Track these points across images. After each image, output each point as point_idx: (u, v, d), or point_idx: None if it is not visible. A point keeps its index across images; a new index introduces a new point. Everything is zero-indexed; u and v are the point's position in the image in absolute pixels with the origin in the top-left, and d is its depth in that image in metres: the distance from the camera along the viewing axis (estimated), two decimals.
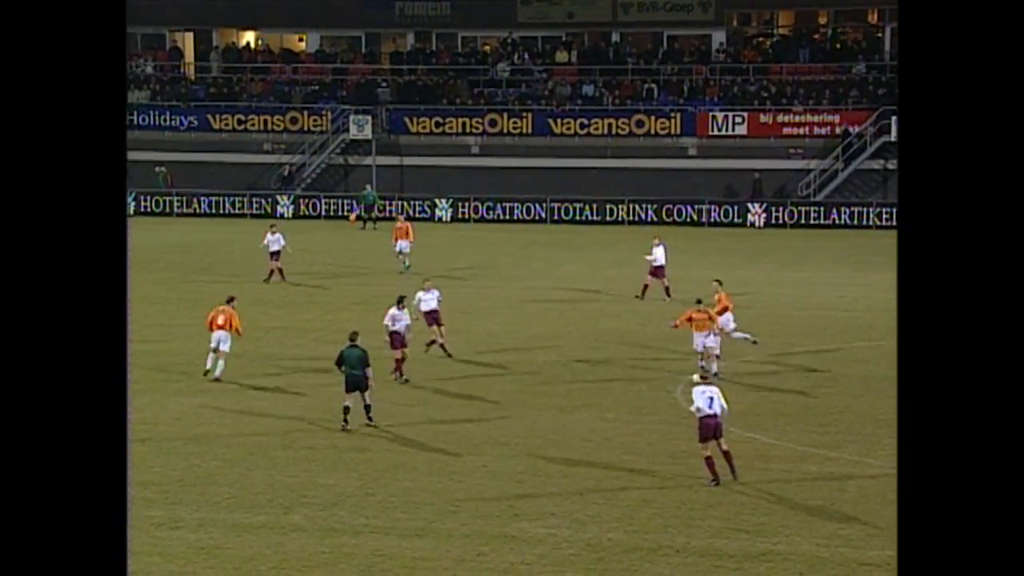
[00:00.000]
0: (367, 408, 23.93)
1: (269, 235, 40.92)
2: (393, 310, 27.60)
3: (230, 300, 28.73)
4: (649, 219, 56.65)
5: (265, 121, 62.79)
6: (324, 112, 62.36)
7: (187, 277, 41.96)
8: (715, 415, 20.40)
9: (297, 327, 34.00)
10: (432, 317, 30.06)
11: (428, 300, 30.37)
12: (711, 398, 20.49)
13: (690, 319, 28.19)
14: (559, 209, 57.60)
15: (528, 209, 58.08)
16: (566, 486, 20.93)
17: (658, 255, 37.46)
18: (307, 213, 58.98)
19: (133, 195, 58.72)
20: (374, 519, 19.38)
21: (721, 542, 18.29)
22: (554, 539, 18.58)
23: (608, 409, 25.55)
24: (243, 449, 22.84)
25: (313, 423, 24.57)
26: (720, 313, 28.81)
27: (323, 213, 58.59)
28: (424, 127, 62.04)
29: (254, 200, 59.42)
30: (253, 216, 58.34)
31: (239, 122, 62.79)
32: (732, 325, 29.17)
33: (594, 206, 57.42)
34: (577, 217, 57.38)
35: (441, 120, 61.98)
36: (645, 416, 25.20)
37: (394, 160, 61.37)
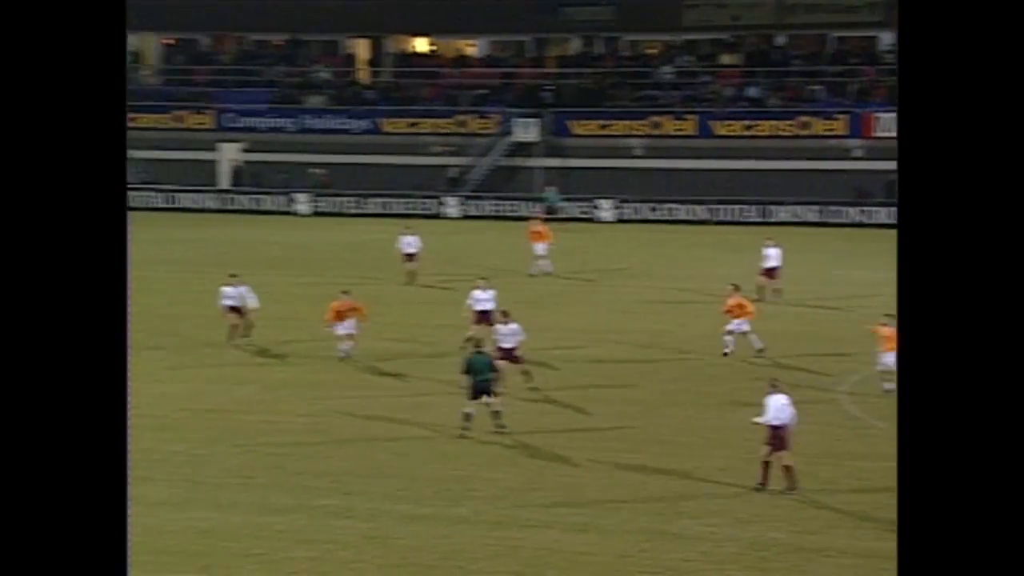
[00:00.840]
0: (496, 414, 23.41)
1: (405, 237, 40.71)
2: (499, 326, 26.84)
3: (345, 292, 29.61)
4: (812, 221, 55.78)
5: (434, 124, 63.53)
6: (491, 115, 62.85)
7: (363, 275, 42.66)
8: (787, 425, 20.01)
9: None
10: (483, 316, 29.88)
11: (483, 300, 30.35)
12: (783, 406, 20.10)
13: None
14: (722, 211, 57.08)
15: (691, 210, 57.68)
16: (727, 485, 20.74)
17: (771, 255, 37.27)
18: (474, 214, 59.51)
19: (295, 196, 59.98)
20: (538, 514, 19.48)
21: (886, 544, 17.92)
22: (716, 537, 18.44)
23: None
24: (412, 444, 23.16)
25: (477, 420, 24.79)
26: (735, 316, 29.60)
27: (489, 214, 59.04)
28: (588, 129, 62.07)
29: (422, 201, 60.19)
30: (421, 217, 59.07)
31: (409, 125, 63.65)
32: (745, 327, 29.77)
33: (757, 208, 56.76)
34: (740, 218, 56.77)
35: (605, 122, 61.93)
36: (806, 416, 24.82)
37: (558, 162, 61.52)
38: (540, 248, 41.96)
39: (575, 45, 67.76)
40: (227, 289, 30.84)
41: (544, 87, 64.85)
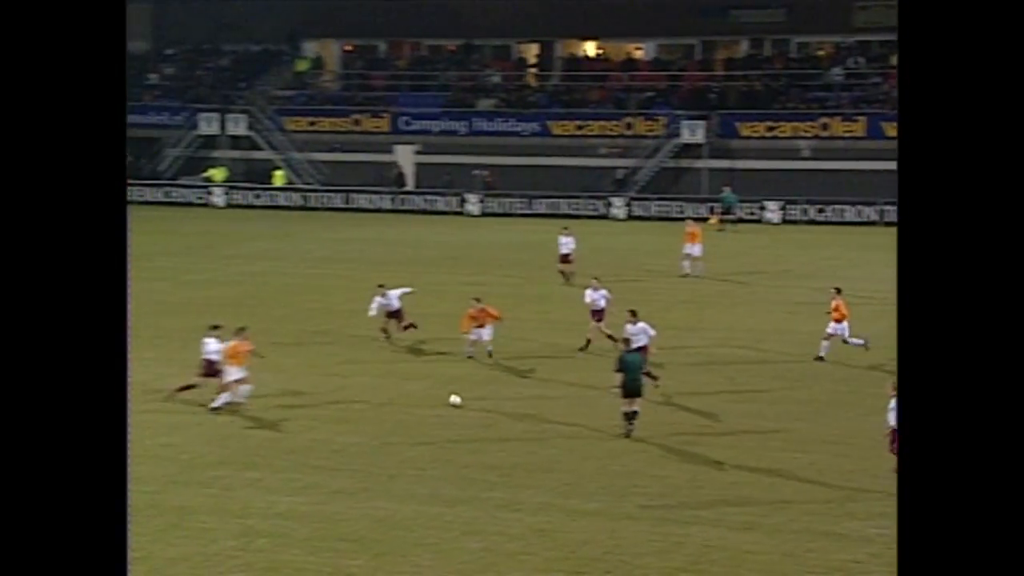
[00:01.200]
0: (634, 414, 23.04)
1: (562, 238, 40.48)
2: (627, 326, 26.43)
3: (477, 299, 29.50)
4: None
5: (602, 126, 63.49)
6: (658, 117, 62.54)
7: (531, 275, 42.91)
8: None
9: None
10: (596, 315, 30.08)
11: (596, 299, 30.38)
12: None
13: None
14: (892, 212, 55.79)
15: (859, 212, 56.53)
16: (895, 488, 20.28)
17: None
18: (640, 215, 59.31)
19: (460, 198, 60.58)
20: (703, 511, 19.34)
21: None
22: (885, 539, 18.04)
23: None
24: (578, 439, 23.20)
25: (642, 420, 24.71)
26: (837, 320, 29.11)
27: (655, 215, 58.76)
28: (756, 131, 61.31)
29: (590, 202, 60.22)
30: (588, 217, 59.14)
31: (578, 128, 63.73)
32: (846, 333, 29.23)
33: None
34: None
35: (773, 124, 61.09)
36: None
37: (725, 163, 60.92)
38: (695, 249, 41.65)
39: (743, 47, 66.99)
40: (379, 299, 30.95)
41: (712, 89, 64.27)
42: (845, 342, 29.14)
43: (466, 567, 17.08)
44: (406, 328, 30.88)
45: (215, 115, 66.57)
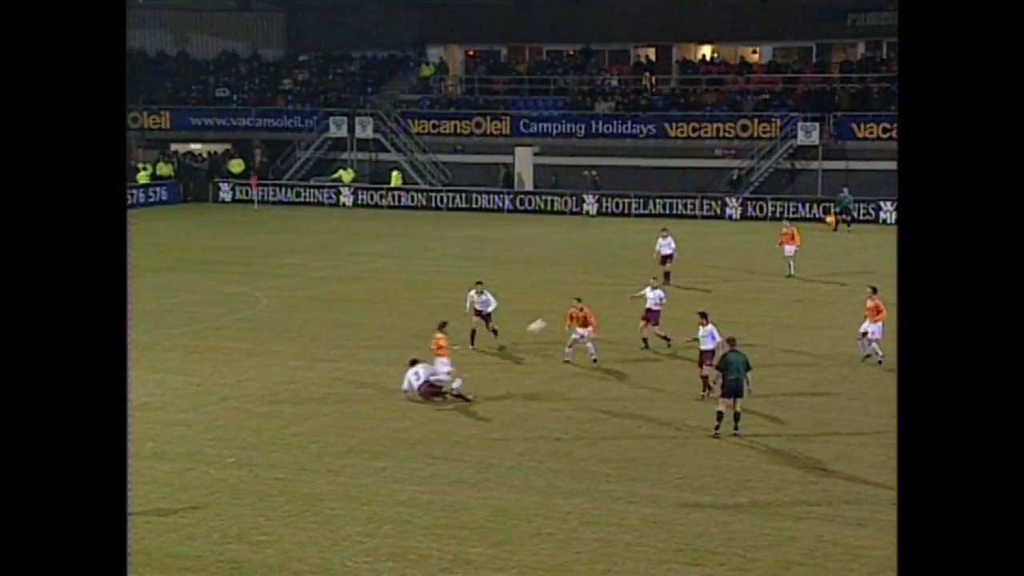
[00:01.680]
0: (736, 416, 22.56)
1: (661, 239, 39.73)
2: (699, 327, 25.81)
3: (578, 299, 29.01)
4: None
5: (717, 128, 62.93)
6: (774, 119, 61.79)
7: (642, 273, 42.68)
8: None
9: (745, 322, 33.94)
10: (649, 314, 29.79)
11: (652, 299, 30.15)
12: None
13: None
14: None
15: None
16: None
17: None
18: (754, 215, 58.66)
19: (590, 198, 60.50)
20: (816, 506, 19.07)
21: None
22: None
23: None
24: (691, 432, 23.03)
25: (754, 413, 24.46)
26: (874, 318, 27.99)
27: (769, 215, 58.06)
28: (871, 132, 60.23)
29: (705, 202, 59.74)
30: (703, 217, 58.69)
31: (693, 130, 63.25)
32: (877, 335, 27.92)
33: None
34: None
35: (888, 126, 59.93)
36: None
37: (840, 165, 59.95)
38: (789, 250, 41.18)
39: (860, 50, 65.87)
40: (472, 295, 30.53)
41: (827, 91, 63.33)
42: (872, 343, 27.89)
43: (582, 556, 17.06)
44: (494, 332, 30.01)
45: (344, 119, 67.40)
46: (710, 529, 18.08)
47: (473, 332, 30.23)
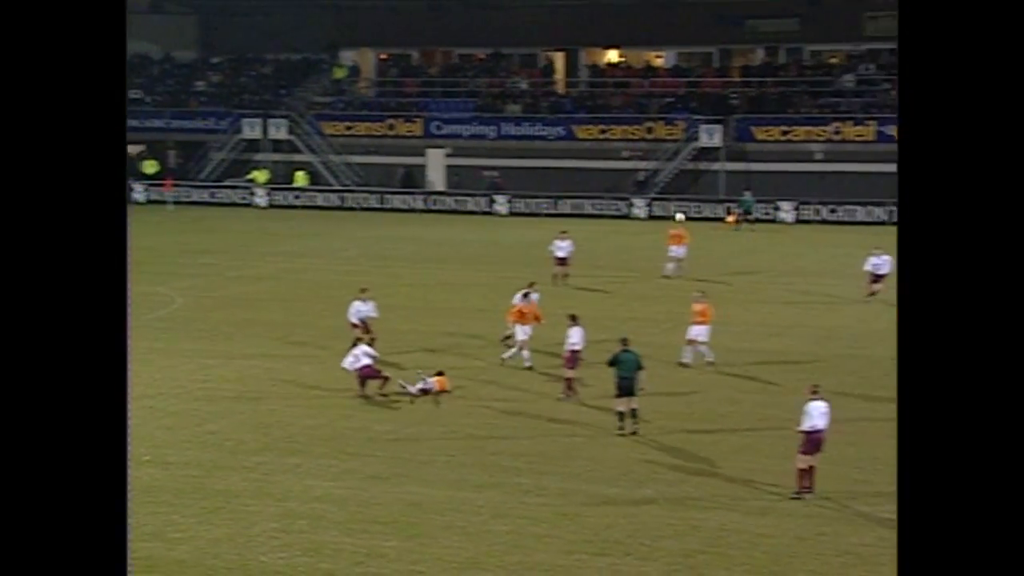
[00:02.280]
0: (633, 412, 22.56)
1: (558, 241, 39.20)
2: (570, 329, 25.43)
3: (527, 294, 28.87)
4: None
5: (624, 131, 63.38)
6: (677, 122, 62.40)
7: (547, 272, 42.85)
8: (822, 430, 18.86)
9: (649, 318, 34.20)
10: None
11: (879, 264, 32.19)
12: (823, 414, 18.95)
13: None
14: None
15: (869, 212, 56.27)
16: None
17: (880, 263, 35.57)
18: (660, 215, 59.14)
19: (508, 198, 60.63)
20: (719, 497, 19.29)
21: None
22: (894, 523, 17.96)
23: None
24: (600, 429, 23.16)
25: (661, 409, 24.67)
26: None
27: (674, 215, 58.53)
28: (770, 135, 61.08)
29: (612, 203, 60.14)
30: (611, 217, 59.07)
31: (600, 132, 63.64)
32: None
33: None
34: None
35: (787, 128, 60.84)
36: None
37: (740, 166, 60.72)
38: (678, 251, 40.36)
39: (759, 55, 66.74)
40: (357, 304, 29.36)
41: (728, 95, 64.10)
42: (695, 345, 27.58)
43: (494, 549, 17.09)
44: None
45: (258, 120, 66.78)
46: (618, 520, 18.21)
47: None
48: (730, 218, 54.84)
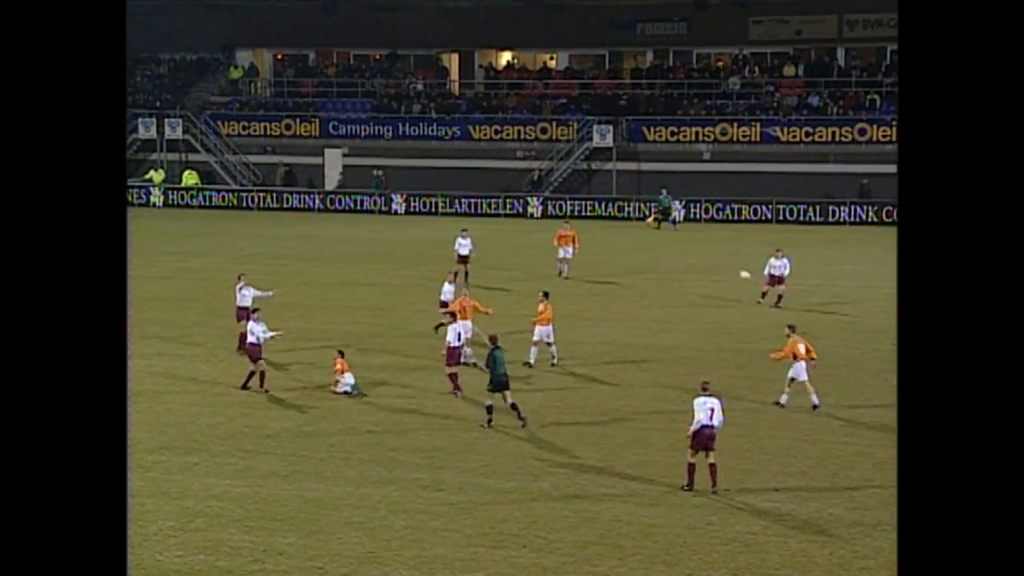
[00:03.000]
0: (513, 406, 22.71)
1: (460, 239, 39.20)
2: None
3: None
4: (870, 220, 55.09)
5: (519, 131, 63.57)
6: (571, 122, 62.76)
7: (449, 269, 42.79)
8: (712, 426, 19.09)
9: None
10: (445, 305, 29.43)
11: (779, 266, 33.78)
12: (711, 409, 19.19)
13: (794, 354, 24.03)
14: (784, 210, 56.54)
15: (756, 210, 57.18)
16: (788, 465, 20.56)
17: (779, 264, 35.59)
18: (554, 213, 59.41)
19: (399, 198, 60.45)
20: (613, 488, 19.44)
21: None
22: (778, 512, 18.29)
23: (827, 395, 24.91)
24: (497, 424, 23.19)
25: (556, 404, 24.79)
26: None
27: (568, 213, 58.87)
28: (660, 135, 61.75)
29: (507, 201, 60.29)
30: (506, 216, 59.19)
31: (496, 132, 63.76)
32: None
33: (817, 208, 56.16)
34: (801, 218, 56.22)
35: (676, 129, 61.57)
36: (861, 403, 24.52)
37: (632, 166, 61.29)
38: (566, 252, 40.11)
39: (649, 58, 67.43)
40: (243, 290, 29.27)
41: (620, 97, 64.65)
42: (549, 345, 27.34)
43: (392, 543, 17.02)
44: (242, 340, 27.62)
45: (153, 120, 65.64)
46: (514, 513, 18.26)
47: (242, 337, 28.05)
48: (650, 219, 54.95)
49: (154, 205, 62.44)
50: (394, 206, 60.91)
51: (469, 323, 27.24)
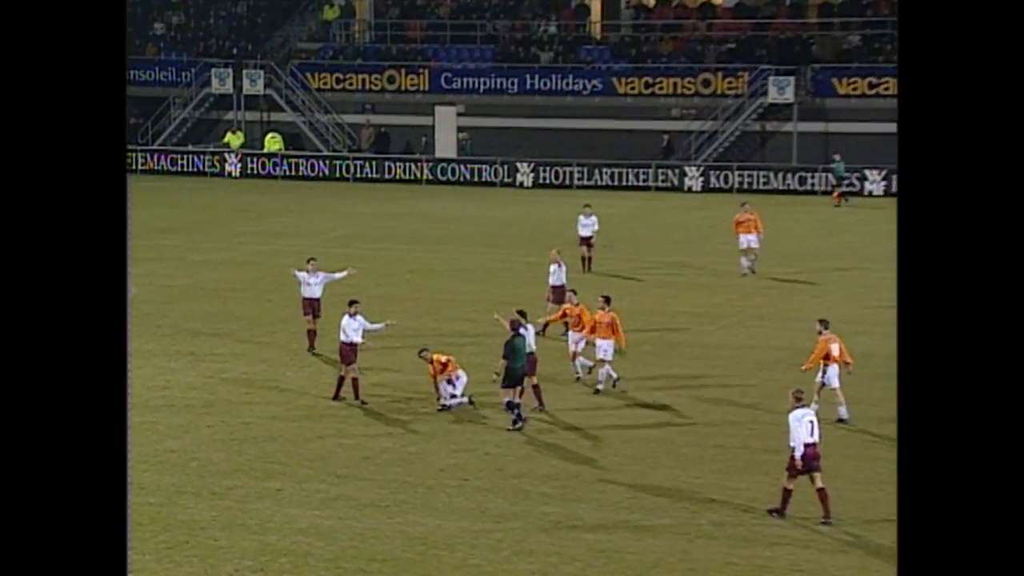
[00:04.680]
0: (511, 406, 23.75)
1: (583, 217, 39.36)
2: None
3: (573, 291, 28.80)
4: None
5: (674, 84, 63.34)
6: (740, 73, 62.30)
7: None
8: (815, 444, 19.15)
9: (709, 313, 34.19)
10: (556, 293, 30.32)
11: (554, 273, 31.85)
12: (811, 423, 19.22)
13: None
14: None
15: None
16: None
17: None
18: (718, 185, 59.10)
19: (531, 165, 60.71)
20: (791, 530, 19.31)
21: None
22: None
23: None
24: (644, 445, 23.19)
25: (719, 423, 24.70)
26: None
27: (736, 186, 58.53)
28: (855, 88, 60.91)
29: (660, 172, 60.11)
30: (658, 189, 59.04)
31: (646, 85, 63.61)
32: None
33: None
34: None
35: (875, 80, 60.64)
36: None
37: (818, 127, 60.59)
38: (749, 240, 39.07)
39: None
40: (301, 274, 29.82)
41: (804, 40, 63.94)
42: (603, 363, 26.48)
43: None
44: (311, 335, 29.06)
45: (229, 71, 66.95)
46: (666, 558, 18.26)
47: (311, 334, 29.21)
48: (835, 194, 54.54)
49: (230, 175, 63.82)
50: (519, 177, 61.26)
51: (605, 343, 26.38)
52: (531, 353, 24.62)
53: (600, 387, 26.42)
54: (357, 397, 25.52)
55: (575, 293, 28.57)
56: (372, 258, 40.34)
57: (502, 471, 21.84)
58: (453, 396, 25.04)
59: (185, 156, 65.26)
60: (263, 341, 30.98)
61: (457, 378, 25.16)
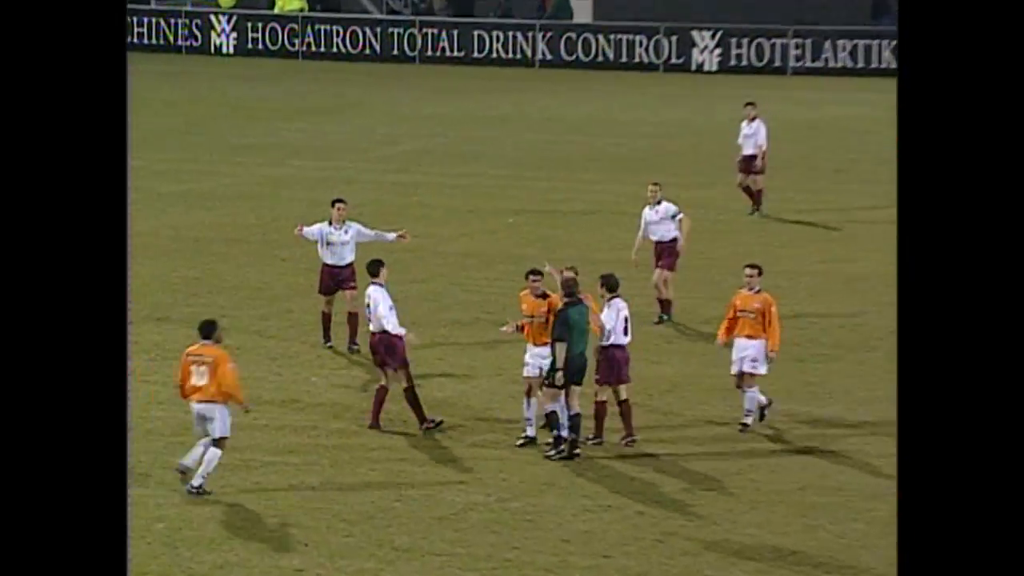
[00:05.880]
0: (548, 417, 24.11)
1: (745, 124, 39.77)
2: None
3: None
4: None
5: None
6: None
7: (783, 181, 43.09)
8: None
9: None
10: (662, 250, 31.21)
11: (651, 219, 31.88)
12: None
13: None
14: None
15: None
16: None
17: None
18: None
19: None
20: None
21: None
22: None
23: None
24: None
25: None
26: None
27: None
28: None
29: None
30: None
31: None
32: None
33: None
34: None
35: None
36: None
37: None
38: None
39: None
40: (318, 229, 29.06)
41: None
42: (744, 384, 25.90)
43: None
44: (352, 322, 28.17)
45: None
46: None
47: (327, 319, 28.75)
48: None
49: (219, 50, 64.26)
50: (696, 55, 61.26)
51: (751, 344, 25.87)
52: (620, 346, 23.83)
53: (748, 420, 25.59)
54: (424, 422, 24.87)
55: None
56: (447, 192, 40.44)
57: (662, 543, 21.41)
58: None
59: (148, 21, 65.62)
60: (272, 327, 30.88)
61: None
